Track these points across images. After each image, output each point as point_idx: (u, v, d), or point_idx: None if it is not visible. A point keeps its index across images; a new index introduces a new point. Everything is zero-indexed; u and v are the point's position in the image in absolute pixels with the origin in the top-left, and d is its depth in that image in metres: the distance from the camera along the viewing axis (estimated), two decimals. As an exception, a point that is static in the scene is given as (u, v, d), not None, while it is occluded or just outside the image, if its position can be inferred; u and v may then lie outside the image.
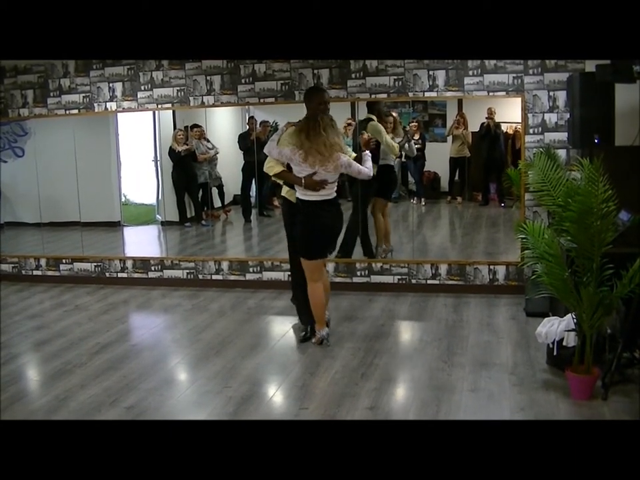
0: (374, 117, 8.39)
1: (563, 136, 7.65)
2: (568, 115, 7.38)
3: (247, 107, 9.22)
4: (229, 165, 10.21)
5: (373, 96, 8.21)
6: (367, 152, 6.49)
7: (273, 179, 6.55)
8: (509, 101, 8.05)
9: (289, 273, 8.58)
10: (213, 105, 8.82)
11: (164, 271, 9.29)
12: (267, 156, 6.36)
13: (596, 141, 6.57)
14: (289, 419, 5.04)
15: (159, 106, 8.99)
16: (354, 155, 6.48)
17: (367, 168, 6.32)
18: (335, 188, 6.31)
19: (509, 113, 8.41)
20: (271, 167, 6.42)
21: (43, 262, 9.78)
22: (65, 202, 9.90)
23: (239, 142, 9.71)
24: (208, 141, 10.00)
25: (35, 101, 9.39)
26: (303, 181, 6.14)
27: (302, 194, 6.25)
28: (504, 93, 7.86)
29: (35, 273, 9.80)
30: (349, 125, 9.22)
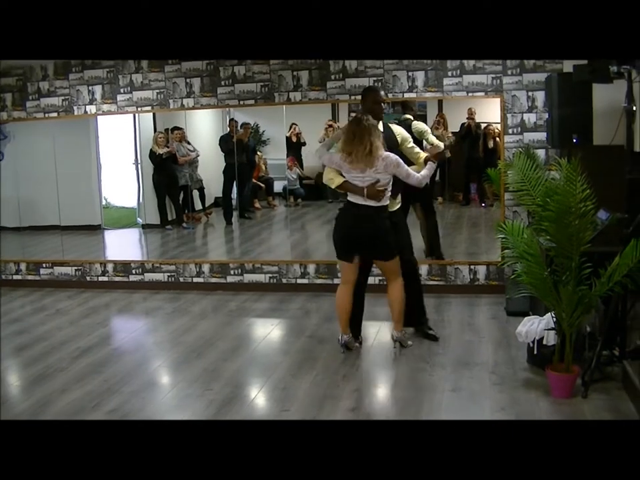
0: (411, 117, 7.84)
1: (541, 136, 7.69)
2: (547, 115, 7.42)
3: (227, 109, 9.21)
4: (210, 167, 10.18)
5: (353, 97, 8.22)
6: (433, 163, 6.11)
7: (337, 190, 6.20)
8: (488, 101, 8.08)
9: (272, 276, 8.62)
10: (193, 108, 8.82)
11: (145, 274, 9.27)
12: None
13: (574, 140, 6.60)
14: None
15: (139, 109, 8.98)
16: (423, 156, 6.23)
17: (421, 175, 5.98)
18: (389, 195, 6.00)
19: (489, 113, 8.43)
20: (331, 180, 6.08)
21: (22, 266, 9.73)
22: (44, 206, 9.88)
23: (220, 144, 9.70)
24: (189, 143, 9.99)
25: (13, 104, 9.35)
26: (366, 191, 5.87)
27: (356, 198, 5.98)
28: (483, 94, 7.90)
29: (15, 277, 9.75)
30: (330, 126, 9.25)
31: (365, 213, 5.94)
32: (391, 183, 5.96)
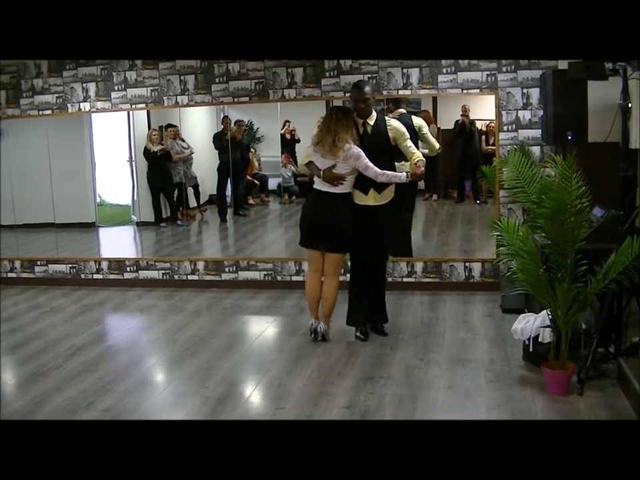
0: (404, 110, 7.83)
1: (536, 133, 7.69)
2: (541, 112, 7.42)
3: (221, 106, 9.20)
4: (204, 164, 10.16)
5: (347, 94, 8.21)
6: (405, 178, 6.26)
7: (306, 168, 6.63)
8: (483, 98, 8.07)
9: (267, 273, 8.62)
10: (187, 105, 8.81)
11: (139, 271, 9.25)
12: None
13: (569, 137, 6.61)
14: (266, 418, 5.03)
15: (133, 106, 8.96)
16: (418, 156, 6.39)
17: (381, 171, 6.20)
18: (351, 184, 6.34)
19: (483, 111, 8.43)
20: (304, 158, 6.63)
21: (17, 264, 9.70)
22: (39, 203, 9.83)
23: (214, 141, 9.66)
24: (183, 140, 9.96)
25: (7, 101, 9.32)
26: (322, 173, 6.26)
27: (319, 184, 6.38)
28: (477, 91, 7.90)
29: (10, 275, 9.73)
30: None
31: (324, 198, 6.36)
32: (354, 175, 6.29)
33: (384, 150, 6.40)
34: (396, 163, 6.63)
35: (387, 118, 6.60)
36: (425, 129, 7.49)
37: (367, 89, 6.41)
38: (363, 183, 6.33)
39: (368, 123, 6.39)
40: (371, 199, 6.41)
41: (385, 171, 6.21)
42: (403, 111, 7.50)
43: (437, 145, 7.45)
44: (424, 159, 6.42)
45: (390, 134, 6.41)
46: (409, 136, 6.52)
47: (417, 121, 7.33)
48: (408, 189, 6.83)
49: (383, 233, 6.55)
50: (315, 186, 6.43)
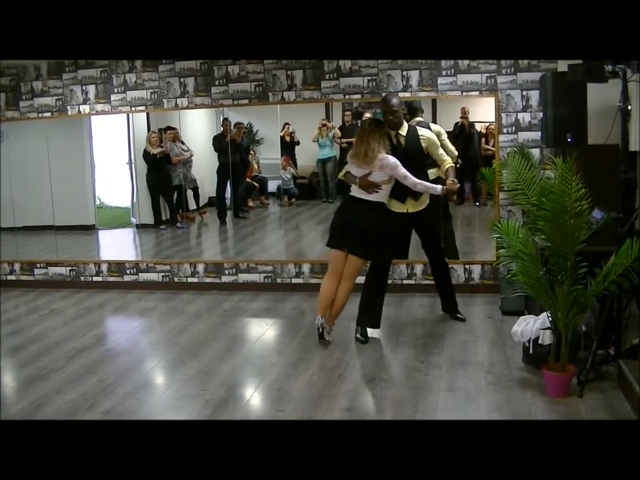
0: (421, 118, 7.48)
1: (536, 135, 7.70)
2: (541, 114, 7.44)
3: (220, 108, 9.20)
4: (204, 167, 10.17)
5: (347, 97, 8.22)
6: (440, 190, 6.50)
7: (344, 180, 6.72)
8: (482, 101, 8.08)
9: (267, 275, 8.64)
10: (187, 107, 8.82)
11: (139, 274, 9.25)
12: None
13: (569, 140, 6.62)
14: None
15: (133, 108, 8.97)
16: (448, 163, 6.72)
17: (419, 181, 6.38)
18: (386, 194, 6.44)
19: (483, 113, 8.43)
20: (342, 172, 6.72)
21: (17, 267, 9.71)
22: (38, 206, 9.83)
23: (213, 144, 9.67)
24: (182, 143, 9.96)
25: (7, 104, 9.32)
26: (358, 180, 6.37)
27: (355, 191, 6.49)
28: (477, 93, 7.90)
29: (9, 277, 9.73)
30: (324, 125, 9.26)
31: (358, 203, 6.45)
32: (391, 184, 6.38)
33: (417, 159, 6.58)
34: None
35: (418, 128, 6.71)
36: (444, 136, 7.48)
37: (395, 100, 6.52)
38: (400, 192, 6.47)
39: (400, 134, 6.56)
40: (409, 206, 6.62)
41: (422, 181, 6.40)
42: (420, 119, 7.46)
43: (456, 152, 7.44)
44: (453, 165, 6.72)
45: (423, 144, 6.63)
46: (439, 144, 6.77)
47: (435, 128, 7.32)
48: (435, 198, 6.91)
49: (433, 233, 6.98)
50: (351, 192, 6.56)
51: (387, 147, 6.36)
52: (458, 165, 7.20)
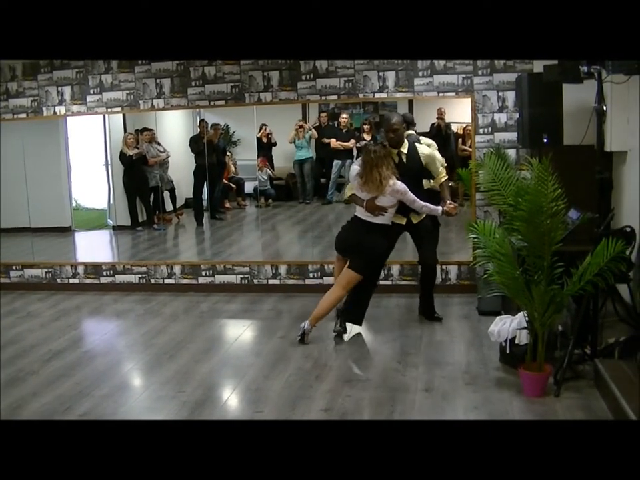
0: (414, 132, 7.47)
1: (512, 136, 7.74)
2: (517, 115, 7.47)
3: (197, 109, 9.18)
4: (181, 168, 10.13)
5: (324, 97, 8.22)
6: (439, 212, 6.73)
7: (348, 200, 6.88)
8: (459, 101, 8.10)
9: (244, 277, 8.61)
10: (163, 108, 8.79)
11: (116, 276, 9.21)
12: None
13: (545, 140, 6.66)
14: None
15: (109, 109, 8.92)
16: (443, 176, 6.92)
17: (424, 204, 6.58)
18: (390, 217, 6.59)
19: (459, 114, 8.45)
20: (347, 191, 6.86)
21: (-8, 269, 9.64)
22: (14, 207, 9.75)
23: (190, 145, 9.64)
24: (159, 144, 9.92)
25: (-19, 105, 9.26)
26: (365, 203, 6.46)
27: (361, 214, 6.59)
28: (454, 94, 7.92)
29: (-16, 280, 9.66)
30: (300, 127, 9.25)
31: (363, 224, 6.58)
32: (395, 207, 6.56)
33: (416, 175, 6.76)
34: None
35: (417, 145, 6.81)
36: (434, 148, 7.52)
37: (396, 119, 6.63)
38: (403, 211, 6.68)
39: (402, 152, 6.68)
40: (413, 219, 6.86)
41: (427, 204, 6.59)
42: (412, 132, 7.48)
43: (445, 163, 7.45)
44: (447, 177, 6.95)
45: (423, 160, 6.76)
46: (439, 157, 6.94)
47: (426, 141, 7.33)
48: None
49: (431, 237, 7.08)
50: (356, 213, 6.67)
51: (394, 170, 6.45)
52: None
